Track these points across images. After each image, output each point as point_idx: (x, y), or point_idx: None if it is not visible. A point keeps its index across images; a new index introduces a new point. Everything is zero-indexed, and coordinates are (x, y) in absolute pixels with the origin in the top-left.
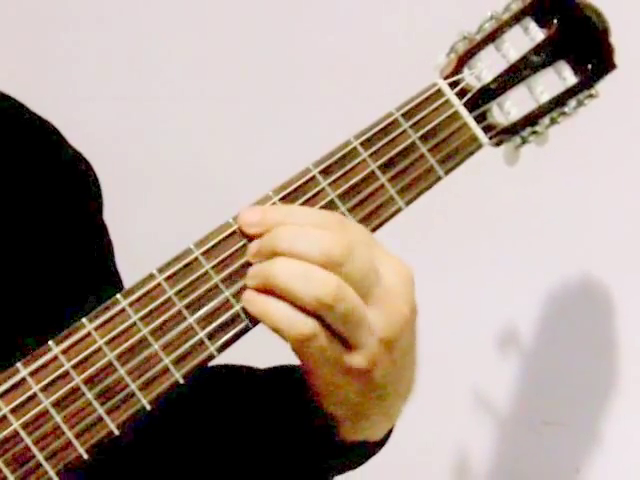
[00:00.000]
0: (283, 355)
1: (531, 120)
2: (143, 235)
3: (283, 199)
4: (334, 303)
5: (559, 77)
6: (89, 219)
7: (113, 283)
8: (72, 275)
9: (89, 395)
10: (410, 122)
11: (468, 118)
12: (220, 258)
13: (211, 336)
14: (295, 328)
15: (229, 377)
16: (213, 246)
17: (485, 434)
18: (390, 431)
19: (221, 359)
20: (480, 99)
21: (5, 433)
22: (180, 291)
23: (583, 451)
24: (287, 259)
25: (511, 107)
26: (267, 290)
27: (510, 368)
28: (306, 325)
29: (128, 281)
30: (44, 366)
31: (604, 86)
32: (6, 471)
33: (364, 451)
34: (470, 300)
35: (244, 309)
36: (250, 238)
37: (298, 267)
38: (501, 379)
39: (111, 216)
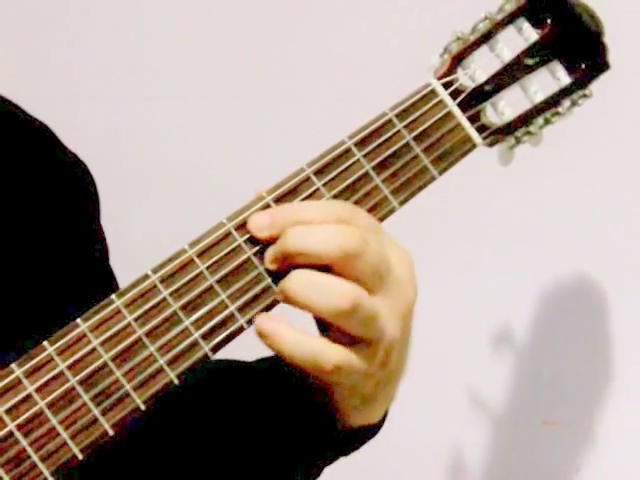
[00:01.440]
0: None
1: (525, 120)
2: (139, 235)
3: (277, 200)
4: (352, 311)
5: (553, 77)
6: (85, 221)
7: (109, 285)
8: (68, 277)
9: (84, 396)
10: (404, 122)
11: (462, 118)
12: (215, 259)
13: (206, 336)
14: (322, 361)
15: (227, 371)
16: (207, 246)
17: (485, 434)
18: (386, 412)
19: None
20: (474, 99)
21: (0, 434)
22: (175, 292)
23: (583, 451)
24: (302, 272)
25: (505, 107)
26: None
27: (510, 368)
28: (333, 352)
29: (124, 282)
30: (39, 367)
31: (598, 86)
32: (1, 472)
33: (365, 434)
34: (470, 300)
35: (238, 308)
36: (247, 239)
37: (313, 279)
38: (501, 379)
39: (107, 216)
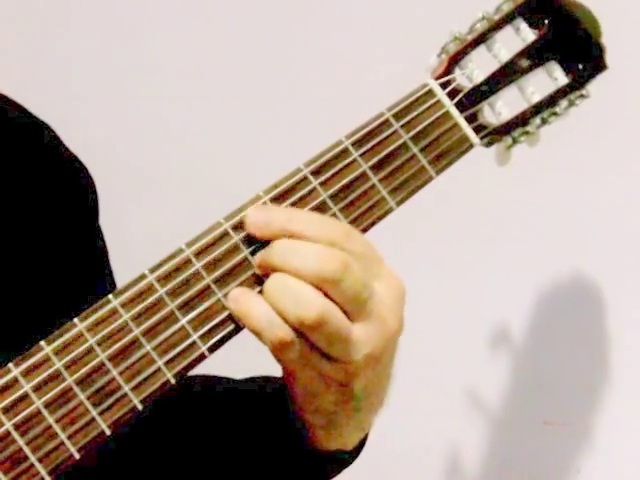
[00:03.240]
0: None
1: (522, 120)
2: (137, 235)
3: (274, 199)
4: (316, 326)
5: (550, 77)
6: (85, 222)
7: (108, 285)
8: (67, 277)
9: (81, 395)
10: (401, 122)
11: (459, 118)
12: (211, 258)
13: (203, 336)
14: (273, 333)
15: (206, 390)
16: (204, 246)
17: (485, 434)
18: (363, 441)
19: (211, 359)
20: (471, 99)
21: None
22: (172, 291)
23: (584, 451)
24: (282, 275)
25: (502, 107)
26: None
27: (510, 368)
28: (284, 331)
29: (122, 281)
30: (36, 366)
31: (595, 86)
32: None
33: (337, 460)
34: (470, 300)
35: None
36: (244, 238)
37: (289, 285)
38: (501, 379)
39: (105, 215)
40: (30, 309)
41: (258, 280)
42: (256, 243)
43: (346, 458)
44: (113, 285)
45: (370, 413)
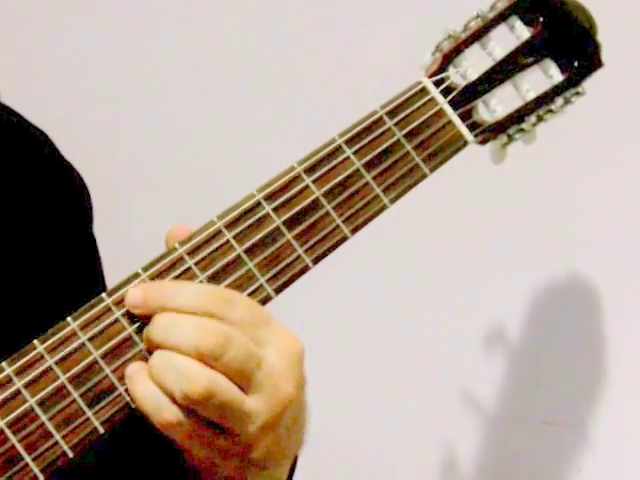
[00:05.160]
0: None
1: (517, 118)
2: (132, 234)
3: (269, 198)
4: (203, 401)
5: (545, 75)
6: (78, 228)
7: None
8: (59, 282)
9: (74, 393)
10: (395, 120)
11: (453, 116)
12: (203, 255)
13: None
14: (159, 415)
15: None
16: (197, 244)
17: (485, 434)
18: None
19: None
20: (465, 97)
21: None
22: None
23: (583, 451)
24: (165, 352)
25: (497, 105)
26: None
27: (510, 368)
28: (170, 412)
29: (117, 280)
30: (29, 365)
31: (591, 84)
32: None
33: None
34: (470, 299)
35: None
36: (236, 236)
37: (173, 361)
38: (501, 379)
39: (99, 216)
40: (22, 312)
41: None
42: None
43: None
44: (104, 289)
45: (278, 468)
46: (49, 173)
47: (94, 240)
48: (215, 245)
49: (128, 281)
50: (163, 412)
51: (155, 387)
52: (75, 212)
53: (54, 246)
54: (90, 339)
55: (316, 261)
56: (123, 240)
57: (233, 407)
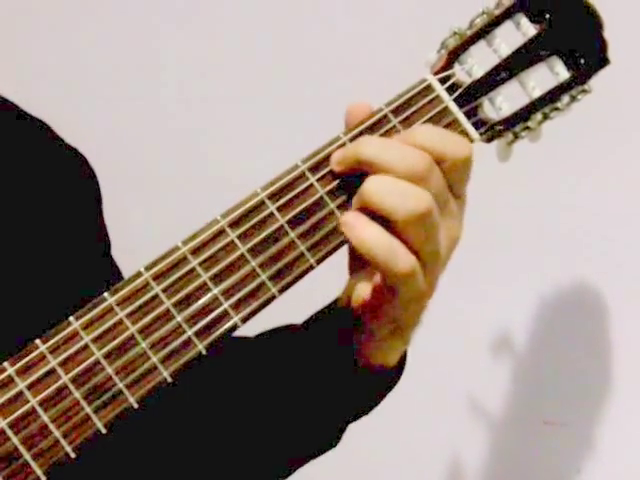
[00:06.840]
0: None
1: (523, 115)
2: (135, 232)
3: (272, 197)
4: (426, 216)
5: (552, 72)
6: (88, 213)
7: (114, 278)
8: (72, 270)
9: (76, 393)
10: (400, 118)
11: (458, 114)
12: (208, 255)
13: (199, 334)
14: (398, 264)
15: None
16: (201, 243)
17: (485, 434)
18: (403, 364)
19: None
20: (471, 95)
21: None
22: (168, 288)
23: (584, 451)
24: (379, 177)
25: (503, 103)
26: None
27: (510, 368)
28: (409, 262)
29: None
30: (31, 364)
31: (598, 81)
32: None
33: (384, 379)
34: (471, 301)
35: (232, 305)
36: (240, 234)
37: (395, 181)
38: (501, 379)
39: (107, 212)
40: (34, 302)
41: (255, 276)
42: (252, 240)
43: (391, 376)
44: (119, 275)
45: (421, 317)
46: (54, 158)
47: (104, 225)
48: (219, 244)
49: (130, 280)
50: (402, 257)
51: (386, 234)
52: (83, 196)
53: (62, 232)
54: (93, 339)
55: (320, 261)
56: (124, 239)
57: (438, 229)
